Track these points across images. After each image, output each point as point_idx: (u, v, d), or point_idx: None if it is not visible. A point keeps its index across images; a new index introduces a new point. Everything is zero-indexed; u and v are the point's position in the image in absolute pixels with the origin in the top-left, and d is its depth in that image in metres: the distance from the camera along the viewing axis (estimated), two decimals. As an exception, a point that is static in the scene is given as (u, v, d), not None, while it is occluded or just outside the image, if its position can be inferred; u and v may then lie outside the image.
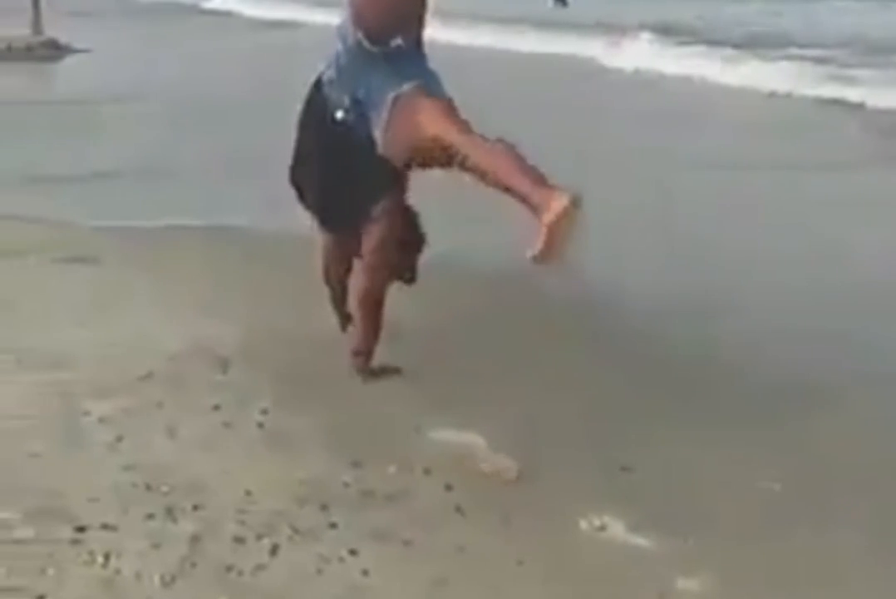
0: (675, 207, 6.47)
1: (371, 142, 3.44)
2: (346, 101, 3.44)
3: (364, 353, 3.70)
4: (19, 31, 15.90)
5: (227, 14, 25.17)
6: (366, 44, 3.33)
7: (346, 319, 3.93)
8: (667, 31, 16.93)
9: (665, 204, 6.52)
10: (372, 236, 3.59)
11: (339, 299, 3.94)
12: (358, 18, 3.33)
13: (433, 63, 3.44)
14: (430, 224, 3.71)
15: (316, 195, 3.67)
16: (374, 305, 3.65)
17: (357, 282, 3.69)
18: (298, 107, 3.63)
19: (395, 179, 3.59)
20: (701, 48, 15.57)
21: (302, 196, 3.73)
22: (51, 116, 9.60)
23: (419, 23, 3.46)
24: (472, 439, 3.26)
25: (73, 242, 5.19)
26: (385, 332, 3.71)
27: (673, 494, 3.02)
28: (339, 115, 3.47)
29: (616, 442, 3.31)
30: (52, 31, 16.37)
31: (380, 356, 3.73)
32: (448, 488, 2.96)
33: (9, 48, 14.74)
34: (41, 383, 3.55)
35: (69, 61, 14.88)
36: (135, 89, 10.65)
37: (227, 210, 5.46)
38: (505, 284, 4.79)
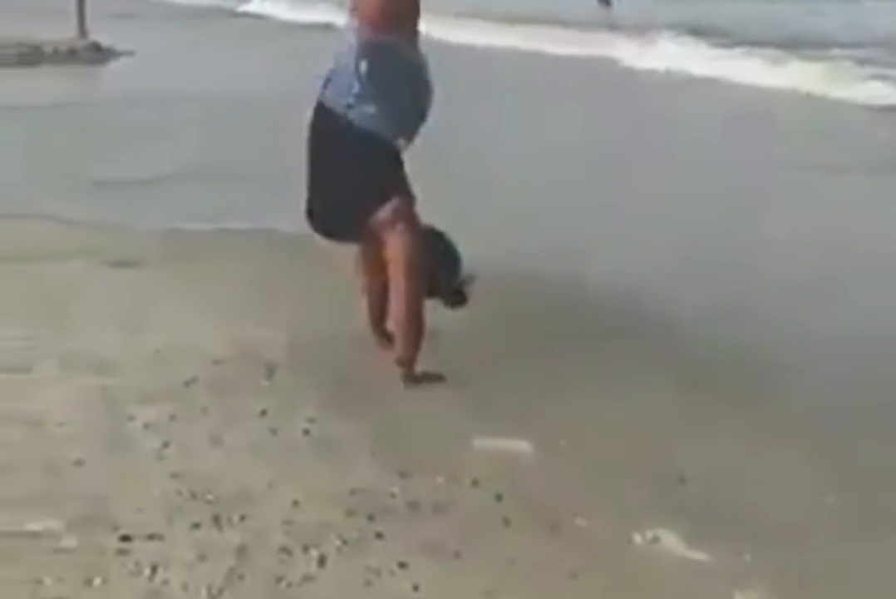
0: (720, 211, 6.38)
1: (369, 139, 3.48)
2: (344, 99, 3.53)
3: (407, 362, 3.65)
4: (64, 34, 16.01)
5: (262, 17, 25.22)
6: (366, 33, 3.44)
7: (384, 338, 3.85)
8: (702, 32, 16.69)
9: (708, 209, 6.44)
10: (391, 242, 3.55)
11: (377, 318, 3.87)
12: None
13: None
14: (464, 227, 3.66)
15: (316, 203, 3.66)
16: (413, 312, 3.60)
17: (395, 289, 3.64)
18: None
19: (396, 179, 3.59)
20: (737, 49, 15.30)
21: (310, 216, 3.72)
22: (98, 120, 9.66)
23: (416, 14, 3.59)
24: (520, 447, 3.20)
25: (122, 245, 5.20)
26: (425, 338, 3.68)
27: (728, 506, 2.94)
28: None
29: (669, 452, 3.24)
30: (95, 34, 16.50)
31: (421, 362, 3.69)
32: (497, 498, 2.90)
33: (54, 51, 14.84)
34: (85, 387, 3.54)
35: (113, 64, 14.97)
36: (179, 92, 10.68)
37: (275, 213, 5.38)
38: (542, 287, 4.77)
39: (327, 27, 18.54)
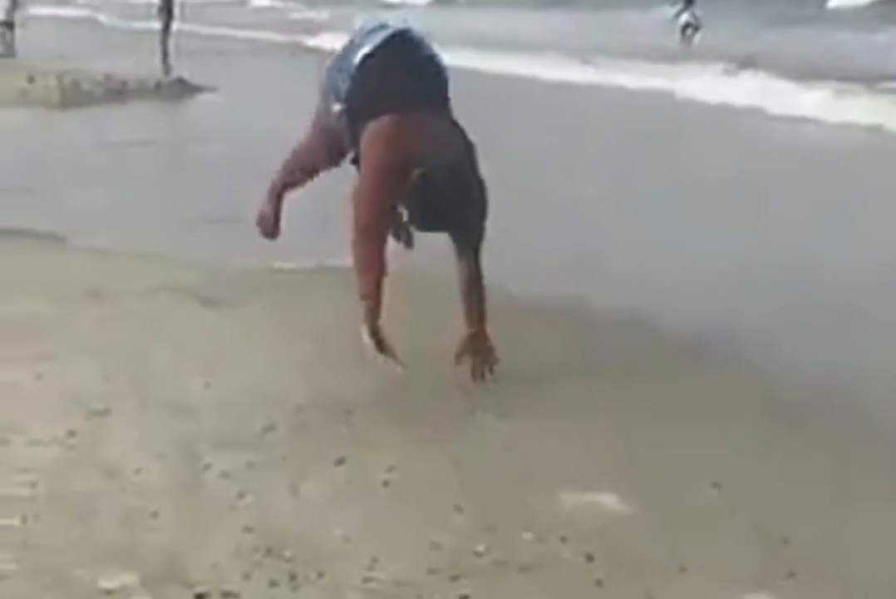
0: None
1: None
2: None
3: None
4: (149, 70, 16.32)
5: (329, 52, 25.46)
6: None
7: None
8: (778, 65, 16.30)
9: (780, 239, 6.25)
10: None
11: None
12: None
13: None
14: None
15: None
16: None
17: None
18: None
19: None
20: (811, 82, 14.98)
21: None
22: (185, 155, 9.76)
23: None
24: (608, 501, 3.04)
25: (207, 282, 5.15)
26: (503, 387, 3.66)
27: (836, 569, 2.75)
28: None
29: (767, 506, 3.05)
30: (179, 69, 16.80)
31: (504, 409, 3.56)
32: (589, 558, 2.74)
33: (139, 87, 15.10)
34: (163, 432, 3.47)
35: (198, 100, 15.15)
36: (263, 128, 10.69)
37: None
38: (614, 326, 4.64)
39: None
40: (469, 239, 3.89)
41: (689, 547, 2.83)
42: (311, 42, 26.73)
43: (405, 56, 3.89)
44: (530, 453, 3.34)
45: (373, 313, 3.72)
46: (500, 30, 25.05)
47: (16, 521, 2.87)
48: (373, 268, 3.72)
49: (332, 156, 4.03)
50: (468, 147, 3.84)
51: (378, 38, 3.88)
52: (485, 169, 3.95)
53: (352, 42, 3.99)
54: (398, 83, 3.81)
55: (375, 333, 3.71)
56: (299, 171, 4.25)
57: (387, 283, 3.79)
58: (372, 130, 3.72)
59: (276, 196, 4.28)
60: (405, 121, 3.71)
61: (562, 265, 5.53)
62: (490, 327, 4.50)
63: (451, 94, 3.95)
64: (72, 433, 3.44)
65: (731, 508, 3.05)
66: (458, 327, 4.02)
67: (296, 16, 37.63)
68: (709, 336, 4.51)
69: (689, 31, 22.26)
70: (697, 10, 22.29)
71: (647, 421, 3.60)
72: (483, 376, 3.88)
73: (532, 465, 3.26)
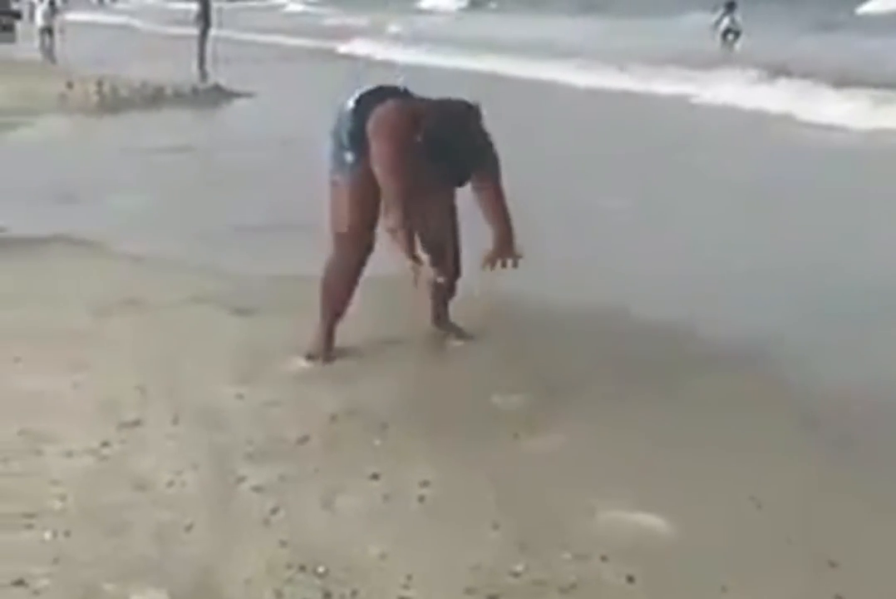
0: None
1: None
2: None
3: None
4: (185, 76, 16.37)
5: (360, 58, 25.37)
6: None
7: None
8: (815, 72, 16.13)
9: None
10: None
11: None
12: None
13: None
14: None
15: None
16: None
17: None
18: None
19: None
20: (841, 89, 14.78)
21: None
22: (221, 162, 9.74)
23: None
24: (653, 521, 2.97)
25: (240, 292, 5.11)
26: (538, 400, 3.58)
27: (881, 594, 2.67)
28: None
29: (813, 527, 2.97)
30: (214, 75, 16.86)
31: (540, 423, 3.50)
32: (630, 579, 2.67)
33: (176, 93, 15.15)
34: (196, 443, 3.43)
35: (234, 106, 15.17)
36: (299, 134, 10.71)
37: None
38: (623, 333, 4.58)
39: (423, 68, 18.64)
40: (490, 175, 3.95)
41: (730, 567, 2.76)
42: (344, 48, 26.81)
43: (395, 91, 4.07)
44: (567, 468, 3.27)
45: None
46: (532, 35, 24.98)
47: (47, 535, 2.84)
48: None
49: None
50: (468, 109, 3.90)
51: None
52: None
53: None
54: (392, 94, 4.02)
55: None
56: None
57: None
58: (372, 119, 3.86)
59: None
60: (400, 100, 3.95)
61: (594, 273, 5.46)
62: (526, 338, 4.46)
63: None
64: (105, 444, 3.41)
65: (774, 527, 2.97)
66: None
67: (329, 22, 37.73)
68: (747, 347, 4.42)
69: (730, 36, 22.03)
70: (738, 15, 22.04)
71: (687, 436, 3.53)
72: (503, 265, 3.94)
73: (569, 481, 3.19)
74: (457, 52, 22.06)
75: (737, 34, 21.87)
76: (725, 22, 22.00)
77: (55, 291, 5.19)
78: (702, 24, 23.46)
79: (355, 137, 3.95)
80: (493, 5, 41.56)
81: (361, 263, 4.10)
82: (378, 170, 3.82)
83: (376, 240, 4.06)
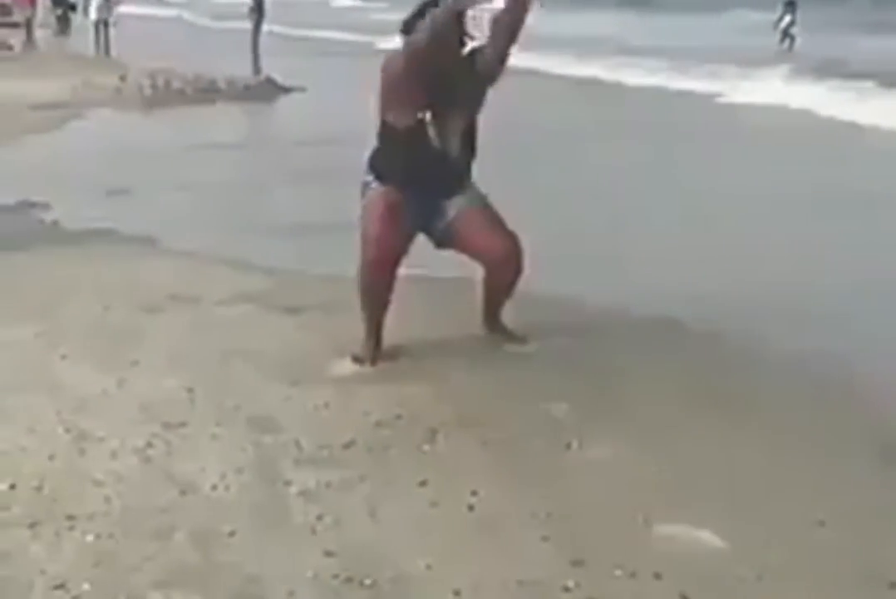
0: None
1: None
2: None
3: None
4: (237, 70, 16.38)
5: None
6: None
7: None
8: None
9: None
10: None
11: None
12: None
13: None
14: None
15: None
16: None
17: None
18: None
19: None
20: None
21: None
22: (277, 158, 9.68)
23: None
24: (708, 538, 2.87)
25: (290, 290, 5.06)
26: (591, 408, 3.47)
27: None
28: None
29: (880, 552, 2.85)
30: (266, 70, 16.86)
31: (595, 435, 3.41)
32: (683, 598, 2.58)
33: (229, 87, 15.17)
34: (242, 446, 3.38)
35: (287, 101, 15.15)
36: (355, 130, 10.68)
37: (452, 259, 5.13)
38: (686, 346, 4.43)
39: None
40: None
41: (788, 588, 2.66)
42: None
43: None
44: (622, 482, 3.17)
45: None
46: (570, 31, 24.83)
47: (90, 537, 2.80)
48: None
49: None
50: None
51: None
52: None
53: None
54: None
55: None
56: None
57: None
58: None
59: None
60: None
61: (647, 279, 5.34)
62: (579, 343, 4.37)
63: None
64: (150, 445, 3.37)
65: (834, 547, 2.86)
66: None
67: (377, 17, 37.68)
68: (817, 365, 4.25)
69: (789, 36, 21.70)
70: (798, 15, 21.70)
71: (749, 452, 3.40)
72: None
73: (623, 495, 3.09)
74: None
75: (792, 38, 21.53)
76: (786, 21, 21.67)
77: (104, 286, 5.17)
78: (744, 20, 23.22)
79: None
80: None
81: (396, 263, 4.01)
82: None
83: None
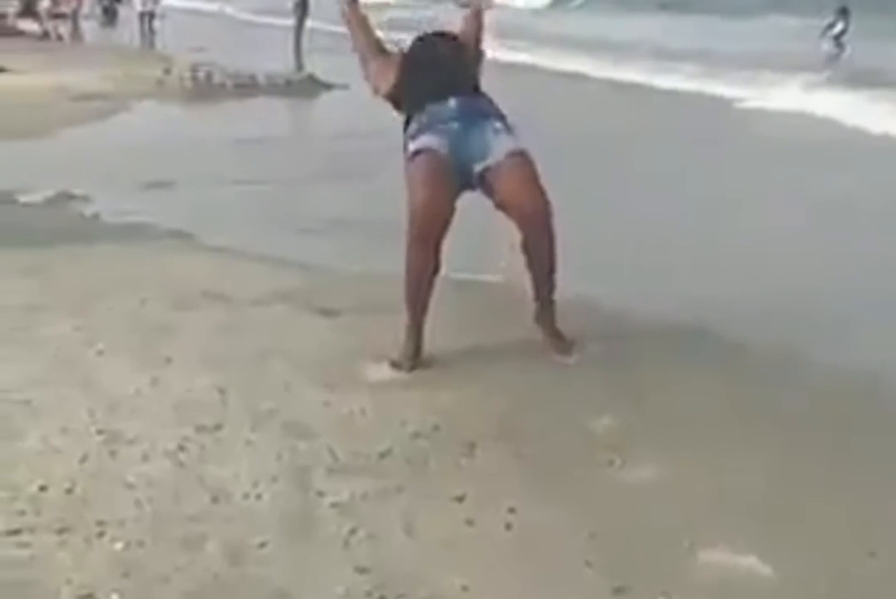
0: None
1: None
2: None
3: None
4: (278, 65, 16.37)
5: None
6: None
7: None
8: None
9: None
10: None
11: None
12: None
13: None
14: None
15: None
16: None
17: None
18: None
19: None
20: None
21: None
22: (317, 154, 9.62)
23: None
24: (754, 565, 2.76)
25: (326, 290, 4.99)
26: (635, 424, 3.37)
27: None
28: None
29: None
30: (307, 65, 16.84)
31: (642, 454, 3.31)
32: (730, 631, 2.48)
33: (270, 83, 15.16)
34: (276, 452, 3.30)
35: (330, 96, 15.08)
36: (396, 128, 10.59)
37: (489, 260, 5.04)
38: (736, 360, 4.30)
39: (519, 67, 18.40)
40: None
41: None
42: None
43: None
44: (667, 504, 3.06)
45: None
46: (613, 34, 24.68)
47: (119, 545, 2.73)
48: None
49: None
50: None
51: None
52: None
53: None
54: None
55: None
56: None
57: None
58: None
59: None
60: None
61: (692, 289, 5.22)
62: (623, 355, 4.27)
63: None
64: (182, 448, 3.30)
65: (886, 580, 2.74)
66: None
67: (414, 15, 37.53)
68: (871, 382, 4.10)
69: (838, 44, 21.23)
70: (850, 23, 21.24)
71: (798, 474, 3.28)
72: None
73: (667, 517, 2.99)
74: (535, 49, 21.93)
75: (842, 45, 21.13)
76: (838, 28, 21.23)
77: (141, 281, 5.13)
78: (782, 26, 22.94)
79: None
80: (577, 2, 41.06)
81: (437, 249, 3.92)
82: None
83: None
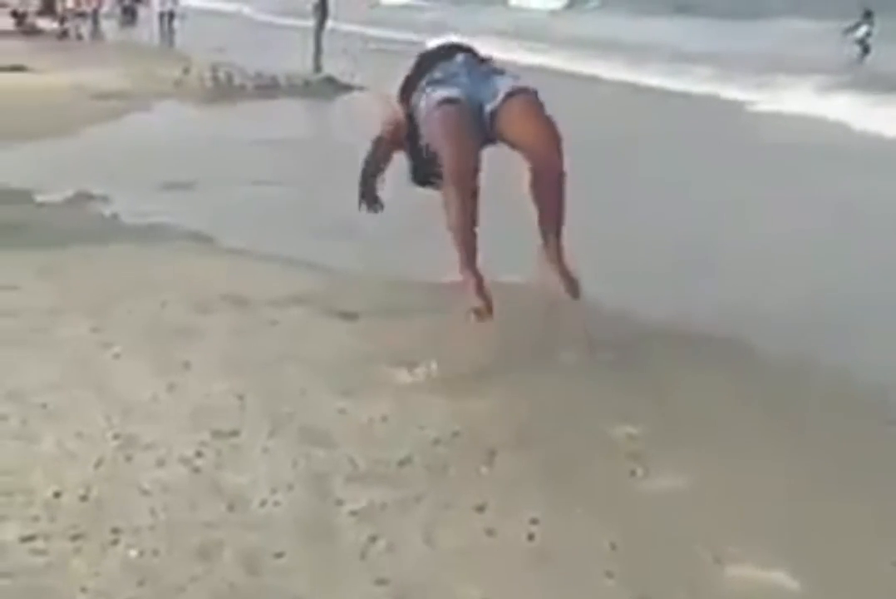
0: None
1: None
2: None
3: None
4: (297, 66, 16.34)
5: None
6: None
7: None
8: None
9: None
10: None
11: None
12: None
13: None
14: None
15: None
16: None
17: None
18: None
19: None
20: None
21: None
22: (336, 156, 9.49)
23: None
24: (781, 579, 2.70)
25: (343, 294, 4.94)
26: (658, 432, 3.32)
27: None
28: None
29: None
30: (328, 68, 16.81)
31: (666, 464, 3.25)
32: (756, 648, 2.42)
33: (289, 84, 15.15)
34: (294, 459, 3.25)
35: (347, 99, 15.02)
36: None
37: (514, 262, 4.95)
38: (758, 369, 4.23)
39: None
40: None
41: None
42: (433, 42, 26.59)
43: None
44: (692, 515, 3.00)
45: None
46: (627, 36, 24.59)
47: (133, 553, 2.69)
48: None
49: None
50: None
51: None
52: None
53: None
54: None
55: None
56: None
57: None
58: None
59: None
60: None
61: (713, 297, 5.16)
62: (646, 360, 4.22)
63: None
64: (199, 454, 3.26)
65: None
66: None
67: (427, 16, 37.53)
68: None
69: (862, 47, 20.91)
70: (874, 27, 20.92)
71: (824, 486, 3.22)
72: None
73: (692, 529, 2.93)
74: (552, 51, 21.86)
75: (866, 48, 20.80)
76: (862, 31, 20.92)
77: (160, 283, 5.09)
78: (797, 29, 22.75)
79: None
80: (593, 3, 40.91)
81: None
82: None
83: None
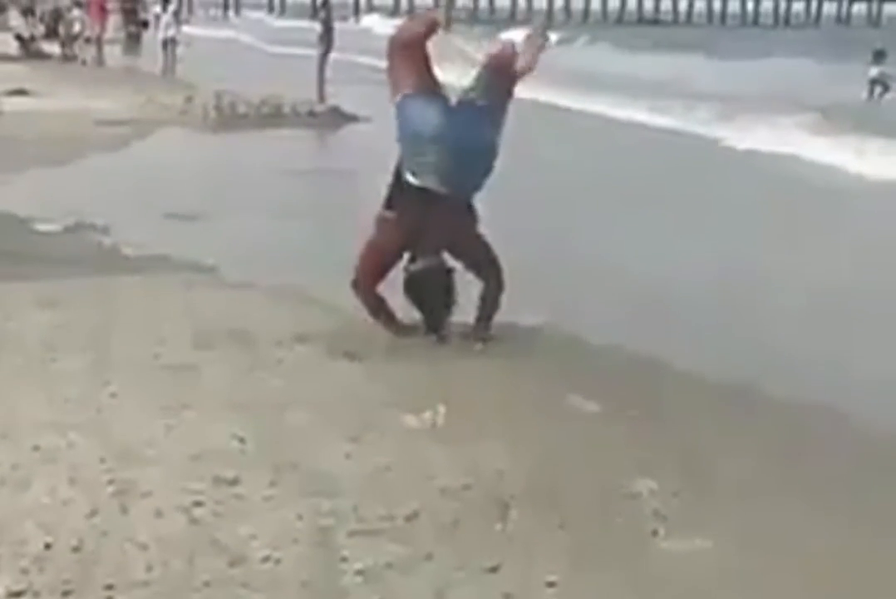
0: None
1: None
2: None
3: None
4: (301, 96, 16.22)
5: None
6: None
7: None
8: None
9: None
10: None
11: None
12: None
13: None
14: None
15: None
16: None
17: None
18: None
19: None
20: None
21: None
22: (340, 188, 9.42)
23: None
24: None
25: (351, 333, 4.79)
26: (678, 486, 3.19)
27: None
28: None
29: None
30: (333, 99, 16.70)
31: (688, 525, 3.10)
32: None
33: (294, 113, 15.04)
34: (298, 511, 3.10)
35: (352, 130, 14.86)
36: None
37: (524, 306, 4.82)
38: (781, 423, 4.08)
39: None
40: None
41: None
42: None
43: None
44: (715, 579, 2.85)
45: None
46: (632, 73, 24.53)
47: (128, 614, 2.53)
48: None
49: None
50: None
51: None
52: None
53: None
54: None
55: None
56: None
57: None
58: None
59: None
60: None
61: (727, 343, 5.03)
62: (661, 409, 4.08)
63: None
64: (198, 504, 3.10)
65: None
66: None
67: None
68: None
69: (877, 88, 20.62)
70: (887, 66, 20.57)
71: (850, 550, 3.06)
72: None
73: (717, 595, 2.77)
74: (540, 87, 21.82)
75: (885, 87, 20.49)
76: (873, 72, 20.65)
77: (159, 317, 4.96)
78: (780, 68, 22.69)
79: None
80: (582, 41, 40.82)
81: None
82: None
83: None
